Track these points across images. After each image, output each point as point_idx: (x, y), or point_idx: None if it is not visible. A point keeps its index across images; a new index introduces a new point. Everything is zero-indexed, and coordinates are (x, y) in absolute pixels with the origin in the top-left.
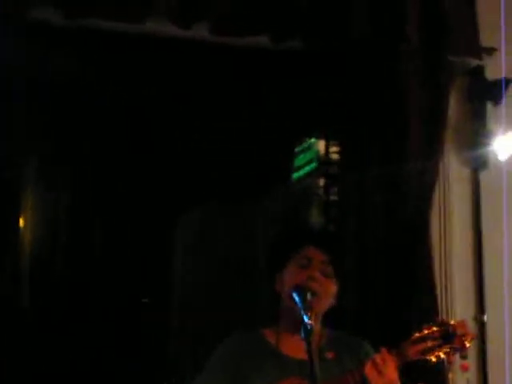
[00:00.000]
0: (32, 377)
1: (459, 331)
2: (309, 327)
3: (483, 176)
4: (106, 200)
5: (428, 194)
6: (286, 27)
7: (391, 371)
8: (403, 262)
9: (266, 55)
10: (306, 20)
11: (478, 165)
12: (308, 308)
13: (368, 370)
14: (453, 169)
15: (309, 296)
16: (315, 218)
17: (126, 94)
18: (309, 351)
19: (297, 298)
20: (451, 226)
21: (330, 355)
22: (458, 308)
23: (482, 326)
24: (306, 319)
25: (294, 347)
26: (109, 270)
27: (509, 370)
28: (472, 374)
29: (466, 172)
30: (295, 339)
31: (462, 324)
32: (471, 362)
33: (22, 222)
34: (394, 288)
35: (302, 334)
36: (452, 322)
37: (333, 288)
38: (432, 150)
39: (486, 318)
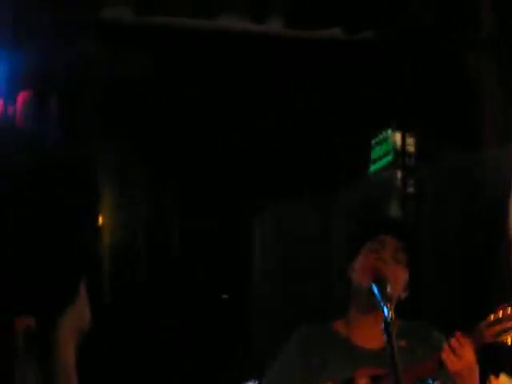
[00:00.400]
0: (110, 374)
1: None
2: (388, 319)
3: None
4: (184, 200)
5: (505, 183)
6: (359, 19)
7: (469, 354)
8: (482, 254)
9: (339, 47)
10: (379, 10)
11: None
12: (387, 300)
13: (445, 354)
14: None
15: (388, 288)
16: (393, 210)
17: (200, 91)
18: (389, 343)
19: (376, 290)
20: None
21: (401, 343)
22: None
23: None
24: (385, 311)
25: (365, 337)
26: (188, 268)
27: None
28: None
29: None
30: (366, 327)
31: None
32: None
33: (100, 222)
34: (472, 281)
35: (382, 326)
36: None
37: (404, 275)
38: (507, 139)
39: None
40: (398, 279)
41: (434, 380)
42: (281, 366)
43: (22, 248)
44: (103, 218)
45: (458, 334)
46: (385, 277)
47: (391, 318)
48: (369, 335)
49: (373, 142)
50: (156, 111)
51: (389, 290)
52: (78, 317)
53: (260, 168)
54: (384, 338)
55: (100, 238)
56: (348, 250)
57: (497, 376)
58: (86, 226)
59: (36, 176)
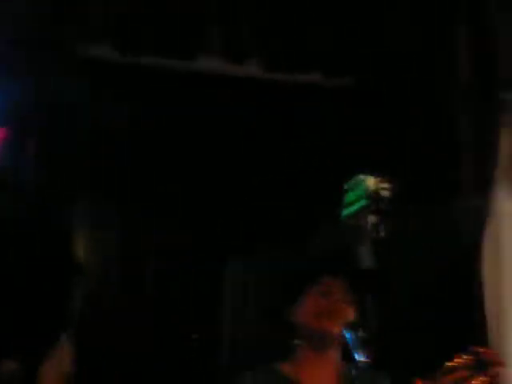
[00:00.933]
0: None
1: (491, 359)
2: (361, 365)
3: None
4: (157, 237)
5: (480, 232)
6: (337, 64)
7: None
8: (456, 300)
9: (317, 91)
10: (358, 58)
11: None
12: (360, 345)
13: None
14: (504, 206)
15: (360, 333)
16: (364, 255)
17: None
18: None
19: (348, 336)
20: (503, 263)
21: None
22: (511, 343)
23: None
24: (357, 357)
25: (315, 379)
26: (159, 307)
27: None
28: None
29: None
30: (317, 369)
31: (494, 352)
32: None
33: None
34: (445, 323)
35: (353, 372)
36: (483, 350)
37: (351, 312)
38: (483, 187)
39: None
40: (348, 316)
41: None
42: None
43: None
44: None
45: (418, 381)
46: (353, 321)
47: (364, 365)
48: (319, 378)
49: (346, 186)
50: (132, 156)
51: (360, 334)
52: (59, 362)
53: (232, 212)
54: (334, 380)
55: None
56: (288, 293)
57: None
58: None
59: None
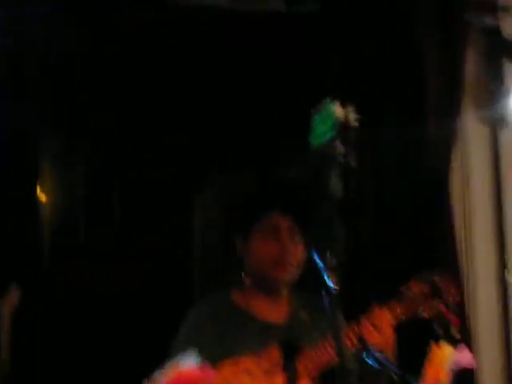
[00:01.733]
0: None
1: (446, 287)
2: (333, 292)
3: (502, 134)
4: (126, 167)
5: (447, 154)
6: None
7: (388, 329)
8: (424, 225)
9: (280, 20)
10: None
11: (496, 123)
12: (330, 271)
13: (365, 328)
14: (471, 128)
15: (330, 258)
16: (335, 185)
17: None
18: (333, 317)
19: (318, 261)
20: (470, 185)
21: (304, 316)
22: (480, 264)
23: (503, 281)
24: (329, 284)
25: (265, 311)
26: (129, 238)
27: None
28: (496, 333)
29: (484, 131)
30: (265, 303)
31: (448, 280)
32: (494, 323)
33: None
34: (415, 250)
35: (327, 301)
36: (437, 278)
37: (302, 251)
38: (450, 109)
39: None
40: (299, 261)
41: (378, 351)
42: (184, 341)
43: None
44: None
45: (376, 307)
46: (324, 246)
47: (336, 292)
48: (269, 310)
49: (316, 116)
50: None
51: (330, 259)
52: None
53: (203, 140)
54: (285, 310)
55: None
56: (234, 222)
57: (438, 345)
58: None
59: None
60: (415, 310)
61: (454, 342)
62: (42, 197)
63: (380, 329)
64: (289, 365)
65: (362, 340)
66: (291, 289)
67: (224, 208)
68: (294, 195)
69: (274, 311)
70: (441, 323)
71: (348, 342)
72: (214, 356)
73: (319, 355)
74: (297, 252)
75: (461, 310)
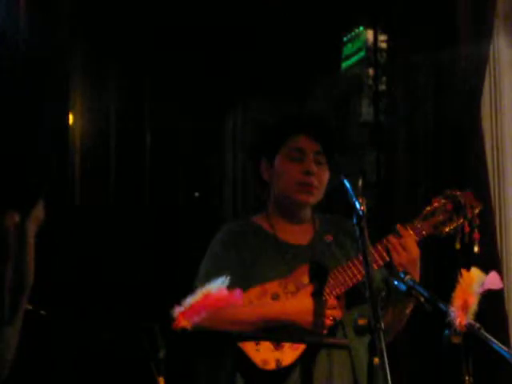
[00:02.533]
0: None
1: (468, 201)
2: (361, 213)
3: None
4: (158, 96)
5: (479, 78)
6: None
7: (413, 245)
8: (455, 149)
9: None
10: None
11: None
12: (359, 194)
13: (390, 245)
14: (503, 52)
15: (360, 182)
16: (365, 108)
17: None
18: (362, 237)
19: (348, 185)
20: (502, 109)
21: (328, 238)
22: (511, 193)
23: None
24: (357, 205)
25: (289, 234)
26: (161, 165)
27: None
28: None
29: None
30: (289, 226)
31: (470, 194)
32: None
33: (71, 119)
34: (445, 176)
35: (354, 220)
36: (459, 193)
37: (327, 175)
38: (481, 32)
39: None
40: (323, 183)
41: (405, 274)
42: (214, 264)
43: None
44: (73, 118)
45: (399, 226)
46: (356, 174)
47: (363, 213)
48: (294, 232)
49: (345, 38)
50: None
51: (360, 184)
52: (38, 214)
53: (233, 64)
54: (309, 234)
55: (69, 138)
56: (260, 145)
57: (468, 269)
58: (54, 125)
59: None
60: (437, 226)
61: (479, 265)
62: (72, 119)
63: (404, 246)
64: (315, 286)
65: (389, 261)
66: (316, 212)
67: (253, 130)
68: (321, 121)
69: (298, 234)
70: (462, 238)
71: (375, 261)
72: (239, 277)
73: (344, 275)
74: (321, 175)
75: (491, 235)
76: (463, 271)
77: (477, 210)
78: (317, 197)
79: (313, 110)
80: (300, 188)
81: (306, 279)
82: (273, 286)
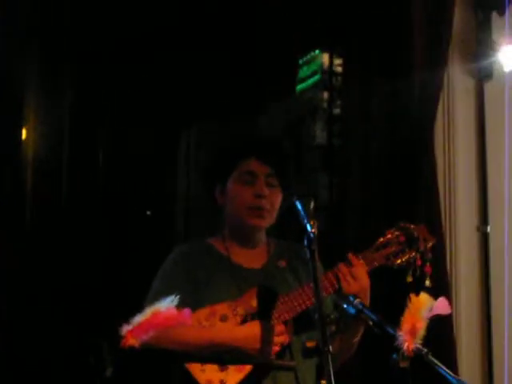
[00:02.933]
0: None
1: (421, 235)
2: (312, 236)
3: (487, 86)
4: (112, 114)
5: (432, 105)
6: None
7: (363, 275)
8: (407, 174)
9: None
10: None
11: (483, 75)
12: (311, 217)
13: (340, 274)
14: (457, 79)
15: (311, 205)
16: (318, 131)
17: None
18: (312, 259)
19: (299, 207)
20: (455, 137)
21: (282, 263)
22: (462, 219)
23: (484, 236)
24: (308, 228)
25: (243, 257)
26: (113, 182)
27: (508, 279)
28: (474, 283)
29: (470, 82)
30: (244, 250)
31: (423, 228)
32: (474, 272)
33: (24, 134)
34: (397, 201)
35: (305, 243)
36: (413, 226)
37: (279, 198)
38: (437, 60)
39: (488, 228)
40: (276, 205)
41: (354, 297)
42: (165, 283)
43: None
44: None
45: (351, 255)
46: (308, 196)
47: (314, 235)
48: (248, 256)
49: (300, 61)
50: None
51: (312, 206)
52: None
53: (187, 86)
54: (263, 258)
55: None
56: (211, 170)
57: (417, 294)
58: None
59: None
60: (389, 257)
61: (429, 291)
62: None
63: (355, 276)
64: (264, 310)
65: (338, 286)
66: (270, 236)
67: (205, 154)
68: (272, 143)
69: (252, 258)
70: (414, 271)
71: (325, 288)
72: (188, 297)
73: (293, 301)
74: (273, 197)
75: (442, 262)
76: (412, 296)
77: (430, 244)
78: (269, 220)
79: (264, 133)
80: (251, 212)
81: (255, 303)
82: (222, 308)
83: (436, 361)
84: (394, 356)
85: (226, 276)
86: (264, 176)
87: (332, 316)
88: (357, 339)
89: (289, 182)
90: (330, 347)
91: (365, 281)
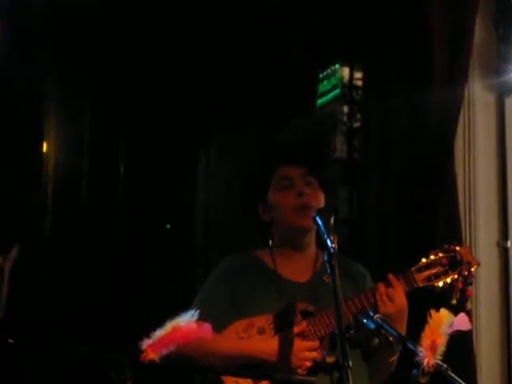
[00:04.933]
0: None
1: (465, 258)
2: (332, 251)
3: (508, 101)
4: (133, 127)
5: (453, 120)
6: None
7: (401, 297)
8: (427, 189)
9: None
10: None
11: (504, 90)
12: (331, 231)
13: (378, 295)
14: (477, 95)
15: (332, 220)
16: (339, 145)
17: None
18: (332, 275)
19: (319, 222)
20: (475, 152)
21: (327, 278)
22: (482, 234)
23: (505, 251)
24: (329, 243)
25: (291, 270)
26: (133, 194)
27: None
28: (495, 298)
29: (491, 98)
30: (292, 262)
31: (467, 251)
32: (494, 287)
33: (44, 147)
34: (417, 216)
35: (325, 258)
36: (458, 249)
37: (321, 196)
38: (457, 75)
39: (509, 243)
40: (319, 202)
41: (374, 312)
42: (209, 296)
43: None
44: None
45: (391, 276)
46: (326, 209)
47: (335, 250)
48: (295, 269)
49: (321, 75)
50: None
51: (332, 221)
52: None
53: (208, 100)
54: (309, 272)
55: (44, 165)
56: (250, 189)
57: (437, 310)
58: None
59: None
60: (430, 279)
61: (449, 306)
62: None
63: (392, 297)
64: (300, 324)
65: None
66: (317, 249)
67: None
68: (299, 145)
69: (298, 271)
70: (455, 294)
71: (363, 307)
72: (225, 311)
73: (331, 317)
74: (316, 196)
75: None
76: (432, 311)
77: (473, 268)
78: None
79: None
80: (297, 213)
81: (292, 317)
82: (259, 320)
83: (456, 377)
84: (415, 371)
85: (270, 289)
86: (300, 176)
87: (375, 341)
88: (394, 358)
89: (327, 179)
90: (350, 362)
91: (401, 303)
